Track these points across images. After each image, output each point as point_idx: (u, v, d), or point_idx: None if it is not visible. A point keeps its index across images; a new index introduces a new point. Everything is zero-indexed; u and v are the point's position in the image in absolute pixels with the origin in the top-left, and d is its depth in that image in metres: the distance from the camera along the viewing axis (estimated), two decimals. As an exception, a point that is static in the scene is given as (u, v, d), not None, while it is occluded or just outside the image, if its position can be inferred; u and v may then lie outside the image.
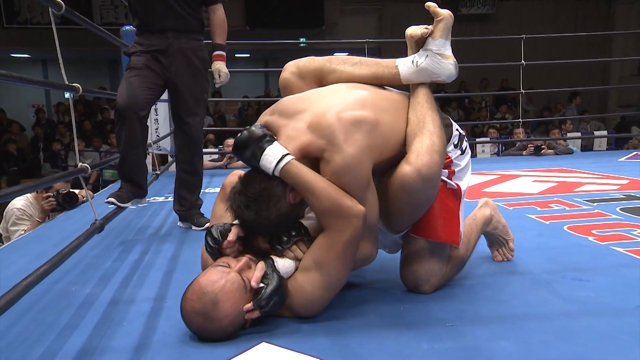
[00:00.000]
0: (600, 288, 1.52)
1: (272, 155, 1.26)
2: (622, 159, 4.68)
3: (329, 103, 1.35)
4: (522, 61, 4.79)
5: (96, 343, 1.27)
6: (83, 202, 3.05)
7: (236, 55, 10.66)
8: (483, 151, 5.77)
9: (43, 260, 1.39)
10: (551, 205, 2.68)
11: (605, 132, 6.77)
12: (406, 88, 1.56)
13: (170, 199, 2.80)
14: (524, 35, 4.79)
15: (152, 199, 3.26)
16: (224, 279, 1.23)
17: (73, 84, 1.80)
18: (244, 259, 1.29)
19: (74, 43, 7.39)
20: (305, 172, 1.27)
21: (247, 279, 1.25)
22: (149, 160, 4.48)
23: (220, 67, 2.40)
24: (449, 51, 1.48)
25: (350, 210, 1.26)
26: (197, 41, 2.33)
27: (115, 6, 9.59)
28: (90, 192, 3.30)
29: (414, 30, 1.49)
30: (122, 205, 2.19)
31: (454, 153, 1.50)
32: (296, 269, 1.32)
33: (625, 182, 3.32)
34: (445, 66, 1.48)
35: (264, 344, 1.22)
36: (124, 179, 2.28)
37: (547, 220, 2.37)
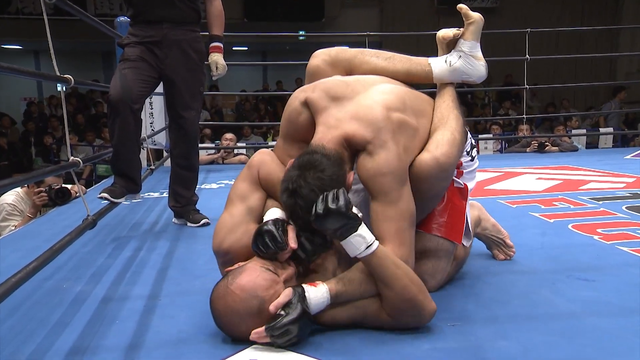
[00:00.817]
0: (606, 288, 1.50)
1: (364, 238, 1.17)
2: (628, 157, 4.64)
3: (375, 97, 1.34)
4: (527, 55, 4.74)
5: (88, 341, 1.25)
6: (76, 197, 3.01)
7: (234, 48, 10.60)
8: (486, 148, 5.74)
9: (34, 256, 1.36)
10: (555, 203, 2.65)
11: (611, 129, 6.72)
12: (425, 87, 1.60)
13: (165, 194, 2.77)
14: (528, 29, 4.73)
15: (146, 194, 3.22)
16: (273, 289, 1.17)
17: (65, 76, 1.75)
18: (291, 269, 1.23)
19: (66, 34, 7.32)
20: (389, 263, 1.20)
21: (273, 305, 1.17)
22: (143, 155, 4.46)
23: (217, 59, 2.36)
24: (480, 53, 1.54)
25: (424, 306, 1.21)
26: (194, 32, 2.28)
27: (109, -4, 9.51)
28: (83, 187, 3.26)
29: (445, 32, 1.55)
30: (116, 200, 2.15)
31: (464, 159, 1.52)
32: (331, 301, 1.20)
33: (631, 180, 3.28)
34: (477, 67, 1.54)
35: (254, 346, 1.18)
36: (118, 173, 2.24)
37: (551, 218, 2.34)
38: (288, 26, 8.04)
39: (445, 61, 1.53)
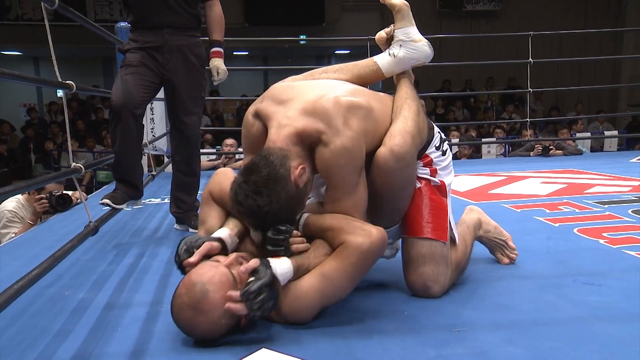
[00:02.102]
0: (612, 292, 1.49)
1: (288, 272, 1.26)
2: (633, 160, 4.60)
3: (322, 91, 1.38)
4: (530, 59, 4.72)
5: (91, 349, 1.24)
6: (77, 204, 3.00)
7: (234, 53, 10.61)
8: (489, 152, 5.71)
9: (35, 263, 1.35)
10: (560, 207, 2.63)
11: (615, 132, 6.69)
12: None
13: (167, 200, 2.76)
14: (531, 33, 4.72)
15: (147, 200, 3.22)
16: (212, 271, 1.20)
17: (67, 82, 1.75)
18: (233, 255, 1.27)
19: (66, 40, 7.30)
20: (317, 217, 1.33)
21: (237, 274, 1.21)
22: (144, 161, 4.45)
23: (218, 64, 2.36)
24: (417, 35, 1.57)
25: (364, 229, 1.29)
26: (194, 38, 2.28)
27: (109, 2, 9.50)
28: (84, 194, 3.25)
29: (379, 35, 1.62)
30: (117, 206, 2.15)
31: (434, 154, 1.54)
32: (294, 274, 1.27)
33: (636, 183, 3.26)
34: (420, 49, 1.57)
35: (264, 350, 1.19)
36: (119, 179, 2.24)
37: (556, 222, 2.32)
38: (289, 30, 8.03)
39: (389, 54, 1.57)
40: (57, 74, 1.72)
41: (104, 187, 4.17)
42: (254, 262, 1.23)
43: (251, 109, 1.44)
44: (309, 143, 1.31)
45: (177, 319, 1.21)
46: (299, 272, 1.27)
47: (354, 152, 1.30)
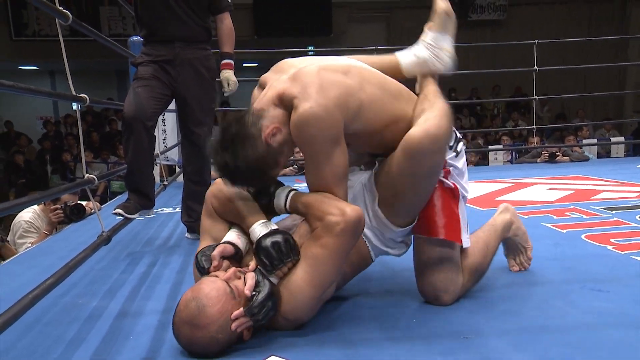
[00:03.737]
0: (621, 298, 1.48)
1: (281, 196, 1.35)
2: (640, 166, 4.59)
3: (316, 62, 1.40)
4: (535, 67, 4.74)
5: (104, 357, 1.25)
6: (90, 214, 3.05)
7: (244, 64, 10.70)
8: (496, 159, 5.70)
9: (50, 272, 1.38)
10: (568, 213, 2.63)
11: (622, 139, 6.66)
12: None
13: (178, 210, 2.79)
14: (536, 41, 4.74)
15: (159, 210, 3.25)
16: (209, 286, 1.21)
17: (80, 95, 1.79)
18: (232, 270, 1.28)
19: (81, 54, 7.46)
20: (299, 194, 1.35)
21: (235, 287, 1.23)
22: (156, 171, 4.50)
23: (228, 75, 2.39)
24: (447, 44, 1.55)
25: (338, 208, 1.28)
26: (205, 50, 2.33)
27: (123, 17, 9.66)
28: (98, 204, 3.30)
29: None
30: (130, 216, 2.18)
31: (449, 154, 1.49)
32: None
33: (644, 189, 3.24)
34: (443, 58, 1.54)
35: (273, 357, 1.20)
36: (132, 190, 2.27)
37: (564, 229, 2.32)
38: (297, 42, 8.10)
39: (413, 54, 1.56)
40: (72, 87, 1.76)
41: (117, 197, 4.22)
42: (252, 278, 1.24)
43: (258, 83, 1.48)
44: (288, 107, 1.31)
45: (177, 336, 1.22)
46: None
47: (324, 120, 1.27)
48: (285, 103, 1.31)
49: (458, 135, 1.54)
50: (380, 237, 1.46)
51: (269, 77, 1.44)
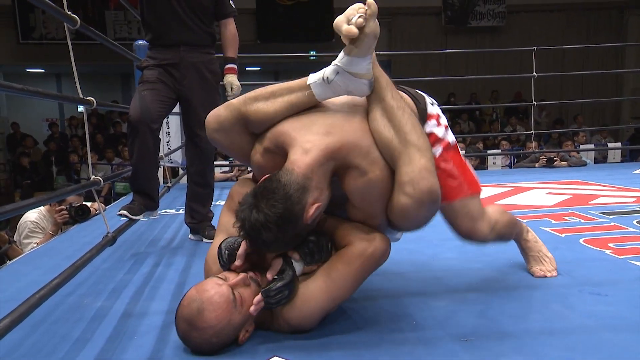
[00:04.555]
0: (619, 302, 1.50)
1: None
2: (637, 171, 4.60)
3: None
4: (534, 73, 4.77)
5: (108, 356, 1.27)
6: (95, 214, 3.07)
7: (247, 68, 10.75)
8: (494, 163, 5.74)
9: (56, 272, 1.39)
10: (566, 217, 2.65)
11: (619, 144, 6.70)
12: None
13: (182, 211, 2.80)
14: (535, 47, 4.78)
15: (163, 211, 3.26)
16: (214, 290, 1.22)
17: (87, 98, 1.82)
18: (242, 276, 1.27)
19: (87, 58, 7.53)
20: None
21: (239, 295, 1.24)
22: (160, 173, 4.52)
23: (232, 80, 2.42)
24: (363, 69, 1.30)
25: (369, 235, 1.30)
26: (209, 55, 2.35)
27: (128, 21, 9.73)
28: (103, 205, 3.32)
29: (340, 23, 1.25)
30: (134, 217, 2.20)
31: (435, 109, 1.51)
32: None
33: (641, 194, 3.26)
34: (358, 87, 1.32)
35: (276, 358, 1.21)
36: (136, 191, 2.30)
37: (562, 233, 2.34)
38: (299, 47, 8.14)
39: (323, 78, 1.32)
40: (79, 90, 1.78)
41: (121, 198, 4.25)
42: (277, 264, 1.27)
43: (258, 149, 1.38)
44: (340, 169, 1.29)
45: (176, 328, 1.25)
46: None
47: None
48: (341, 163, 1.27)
49: (429, 100, 1.53)
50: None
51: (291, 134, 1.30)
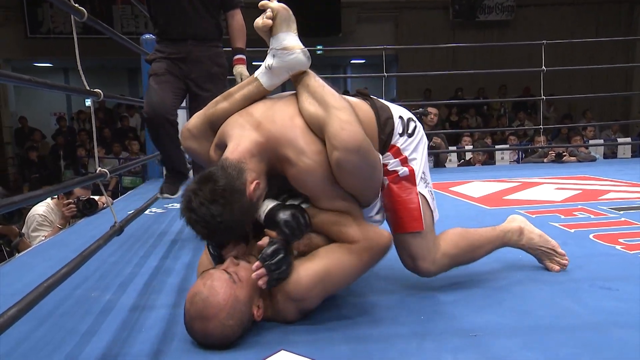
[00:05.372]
0: (630, 298, 1.48)
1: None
2: (648, 167, 4.56)
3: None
4: (543, 67, 4.73)
5: (116, 349, 1.27)
6: (103, 208, 3.08)
7: (254, 62, 10.70)
8: (502, 158, 5.71)
9: (63, 264, 1.38)
10: (575, 213, 2.62)
11: (629, 139, 6.63)
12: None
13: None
14: (544, 41, 4.73)
15: (170, 205, 3.27)
16: (209, 279, 1.23)
17: (95, 90, 1.81)
18: (229, 259, 1.29)
19: (94, 52, 7.54)
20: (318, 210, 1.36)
21: (234, 272, 1.25)
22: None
23: (242, 70, 2.42)
24: (291, 42, 1.42)
25: (376, 231, 1.35)
26: (216, 48, 2.36)
27: (135, 16, 9.75)
28: (110, 198, 3.33)
29: (255, 23, 1.44)
30: (175, 196, 2.31)
31: (401, 141, 1.51)
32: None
33: (651, 190, 3.22)
34: (292, 58, 1.42)
35: (283, 352, 1.21)
36: (169, 170, 2.42)
37: (571, 228, 2.32)
38: (306, 41, 8.08)
39: (265, 66, 1.45)
40: (85, 83, 1.78)
41: (128, 192, 4.26)
42: (266, 240, 1.31)
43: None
44: (272, 159, 1.34)
45: (191, 333, 1.25)
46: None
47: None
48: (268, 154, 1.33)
49: (405, 117, 1.54)
50: None
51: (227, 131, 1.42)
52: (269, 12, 1.41)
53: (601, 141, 6.40)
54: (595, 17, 10.55)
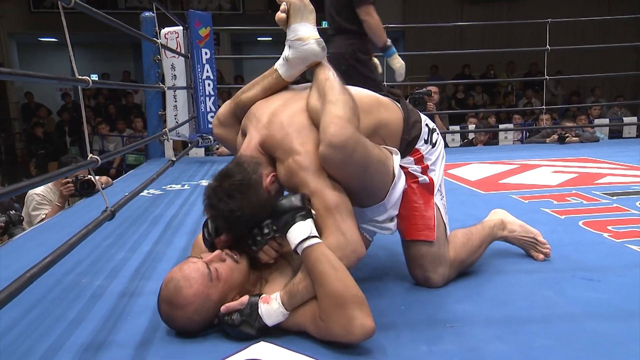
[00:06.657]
0: (611, 289, 1.49)
1: (308, 229, 1.22)
2: (651, 147, 4.50)
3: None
4: (547, 46, 4.64)
5: (102, 337, 1.29)
6: (104, 188, 3.10)
7: (258, 38, 10.63)
8: (506, 138, 5.67)
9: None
10: (568, 198, 2.61)
11: (635, 119, 6.53)
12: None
13: (187, 187, 2.81)
14: (549, 20, 4.63)
15: (168, 186, 3.28)
16: (188, 268, 1.25)
17: (83, 77, 1.79)
18: (217, 252, 1.30)
19: (98, 27, 7.47)
20: (324, 262, 1.19)
21: (215, 269, 1.25)
22: (169, 146, 4.56)
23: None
24: (306, 32, 1.43)
25: (354, 316, 1.17)
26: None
27: (139, -10, 9.65)
28: (109, 179, 3.36)
29: (277, 15, 1.47)
30: None
31: (425, 148, 1.53)
32: (284, 313, 1.24)
33: (650, 172, 3.20)
34: (306, 48, 1.43)
35: (262, 342, 1.22)
36: None
37: (562, 214, 2.31)
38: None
39: (283, 58, 1.47)
40: (75, 69, 1.75)
41: (130, 172, 4.29)
42: (240, 303, 1.24)
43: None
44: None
45: (159, 311, 1.28)
46: (292, 302, 1.23)
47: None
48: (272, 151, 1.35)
49: (430, 126, 1.56)
50: (360, 219, 1.44)
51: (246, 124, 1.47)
52: (283, 6, 1.43)
53: (606, 121, 6.31)
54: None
